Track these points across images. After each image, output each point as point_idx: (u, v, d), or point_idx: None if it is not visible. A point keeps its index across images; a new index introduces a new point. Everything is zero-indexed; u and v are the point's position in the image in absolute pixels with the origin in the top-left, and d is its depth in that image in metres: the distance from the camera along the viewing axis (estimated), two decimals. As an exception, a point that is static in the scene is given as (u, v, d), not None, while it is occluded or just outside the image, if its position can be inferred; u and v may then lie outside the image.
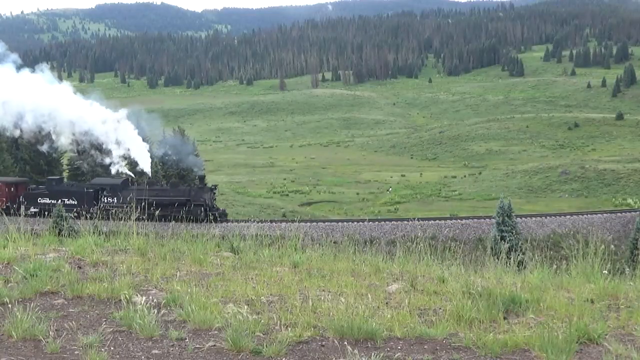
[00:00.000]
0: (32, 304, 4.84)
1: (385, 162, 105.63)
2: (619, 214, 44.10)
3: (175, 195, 39.53)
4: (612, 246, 6.91)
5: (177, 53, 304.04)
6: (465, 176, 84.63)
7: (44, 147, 45.35)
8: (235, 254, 7.60)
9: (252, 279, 6.20)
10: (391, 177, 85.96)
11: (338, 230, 37.25)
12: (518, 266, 6.65)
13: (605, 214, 44.03)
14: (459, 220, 41.60)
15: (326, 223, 39.63)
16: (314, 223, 38.23)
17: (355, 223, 40.30)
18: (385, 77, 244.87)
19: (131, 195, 39.68)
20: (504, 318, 5.00)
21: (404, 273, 6.66)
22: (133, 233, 7.71)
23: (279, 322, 4.80)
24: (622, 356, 4.19)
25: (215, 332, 4.68)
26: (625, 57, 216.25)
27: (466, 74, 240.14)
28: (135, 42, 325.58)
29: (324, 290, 5.78)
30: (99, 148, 42.95)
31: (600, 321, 4.82)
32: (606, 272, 6.09)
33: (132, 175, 42.99)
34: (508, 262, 6.64)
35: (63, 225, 20.44)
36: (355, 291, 5.74)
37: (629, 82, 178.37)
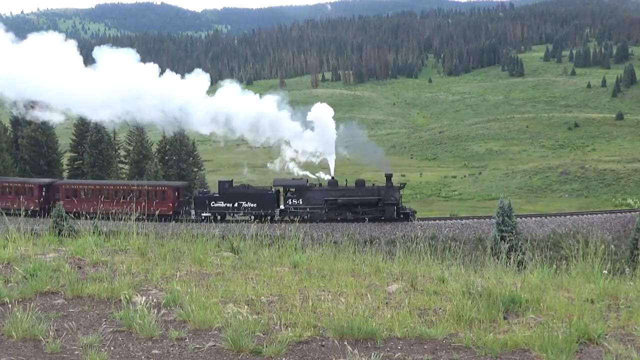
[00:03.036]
0: (32, 304, 4.84)
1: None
2: (619, 214, 44.06)
3: (365, 195, 38.75)
4: (612, 246, 6.92)
5: (177, 53, 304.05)
6: (465, 176, 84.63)
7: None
8: (235, 254, 7.60)
9: (252, 279, 6.19)
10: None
11: (338, 230, 37.22)
12: (518, 266, 6.64)
13: (605, 214, 44.00)
14: (459, 220, 41.62)
15: (326, 223, 39.57)
16: (314, 223, 38.17)
17: (355, 223, 40.25)
18: (385, 77, 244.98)
19: (317, 196, 38.80)
20: (504, 318, 4.99)
21: (404, 273, 6.65)
22: (133, 233, 7.70)
23: (279, 322, 4.80)
24: (622, 356, 4.18)
25: (215, 332, 4.67)
26: (625, 57, 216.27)
27: (466, 74, 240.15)
28: (135, 42, 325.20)
29: (324, 290, 5.78)
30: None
31: (600, 321, 4.82)
32: (606, 272, 6.09)
33: (312, 176, 41.91)
34: (508, 262, 6.64)
35: (63, 225, 20.42)
36: (355, 291, 5.74)
37: (629, 82, 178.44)
